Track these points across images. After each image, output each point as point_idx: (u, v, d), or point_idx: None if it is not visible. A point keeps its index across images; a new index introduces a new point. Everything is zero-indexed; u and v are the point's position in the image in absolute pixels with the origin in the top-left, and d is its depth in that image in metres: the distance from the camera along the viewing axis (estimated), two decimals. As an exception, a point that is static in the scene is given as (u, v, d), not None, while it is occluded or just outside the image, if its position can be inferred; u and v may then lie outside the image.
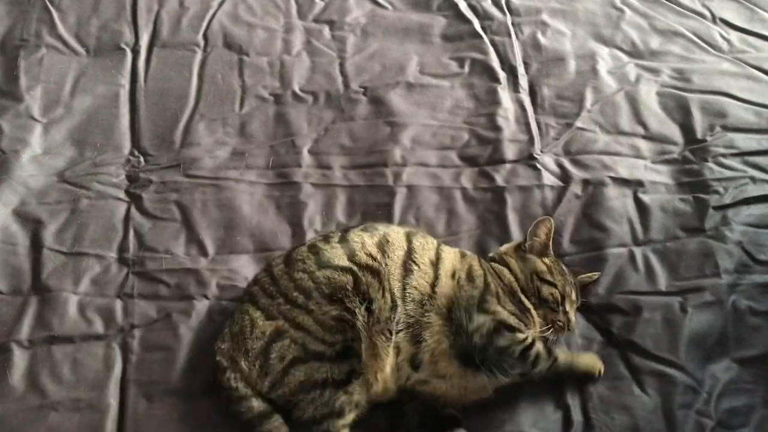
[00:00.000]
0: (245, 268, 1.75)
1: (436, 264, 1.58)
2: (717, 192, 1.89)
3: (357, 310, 1.48)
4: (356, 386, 1.45)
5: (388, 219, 1.84)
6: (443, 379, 1.52)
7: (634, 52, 2.28)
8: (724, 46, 2.31)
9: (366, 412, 1.48)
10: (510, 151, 1.99)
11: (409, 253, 1.58)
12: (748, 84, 2.18)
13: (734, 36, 2.34)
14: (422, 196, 1.91)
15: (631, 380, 1.58)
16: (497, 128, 2.04)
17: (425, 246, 1.61)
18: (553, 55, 2.25)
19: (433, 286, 1.54)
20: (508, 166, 1.97)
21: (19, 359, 1.58)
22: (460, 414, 1.52)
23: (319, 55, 2.25)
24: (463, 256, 1.64)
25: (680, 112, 2.09)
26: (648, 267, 1.76)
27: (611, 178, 1.93)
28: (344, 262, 1.53)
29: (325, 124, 2.07)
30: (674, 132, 2.05)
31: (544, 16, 2.37)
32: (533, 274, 1.61)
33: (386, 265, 1.54)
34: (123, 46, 2.24)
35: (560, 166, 1.97)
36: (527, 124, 2.07)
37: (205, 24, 2.32)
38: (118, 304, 1.68)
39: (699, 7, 2.44)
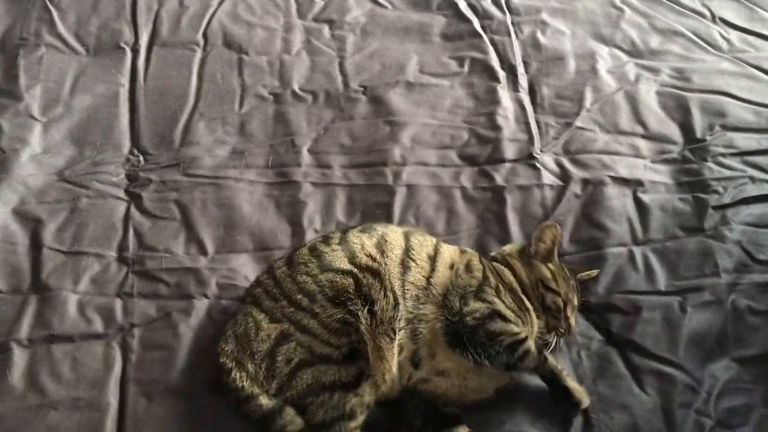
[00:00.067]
0: (245, 267, 1.75)
1: (433, 258, 1.58)
2: (716, 191, 1.89)
3: (360, 313, 1.48)
4: (366, 388, 1.44)
5: (388, 218, 1.85)
6: (443, 377, 1.52)
7: (633, 52, 2.28)
8: (724, 45, 2.31)
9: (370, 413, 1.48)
10: (510, 151, 1.99)
11: (407, 250, 1.58)
12: (748, 83, 2.18)
13: (734, 35, 2.34)
14: (422, 195, 1.91)
15: (631, 379, 1.59)
16: (497, 127, 2.04)
17: (423, 243, 1.61)
18: (552, 55, 2.25)
19: (428, 278, 1.55)
20: (507, 165, 1.97)
21: (19, 358, 1.58)
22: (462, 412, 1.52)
23: (319, 54, 2.25)
24: (462, 252, 1.65)
25: (680, 112, 2.09)
26: (647, 266, 1.76)
27: (611, 177, 1.93)
28: (345, 265, 1.53)
29: (325, 123, 2.06)
30: (674, 131, 2.05)
31: (544, 16, 2.37)
32: (539, 281, 1.61)
33: (386, 264, 1.54)
34: (123, 45, 2.24)
35: (560, 165, 1.97)
36: (527, 124, 2.07)
37: (204, 23, 2.32)
38: (118, 303, 1.68)
39: (699, 7, 2.44)
